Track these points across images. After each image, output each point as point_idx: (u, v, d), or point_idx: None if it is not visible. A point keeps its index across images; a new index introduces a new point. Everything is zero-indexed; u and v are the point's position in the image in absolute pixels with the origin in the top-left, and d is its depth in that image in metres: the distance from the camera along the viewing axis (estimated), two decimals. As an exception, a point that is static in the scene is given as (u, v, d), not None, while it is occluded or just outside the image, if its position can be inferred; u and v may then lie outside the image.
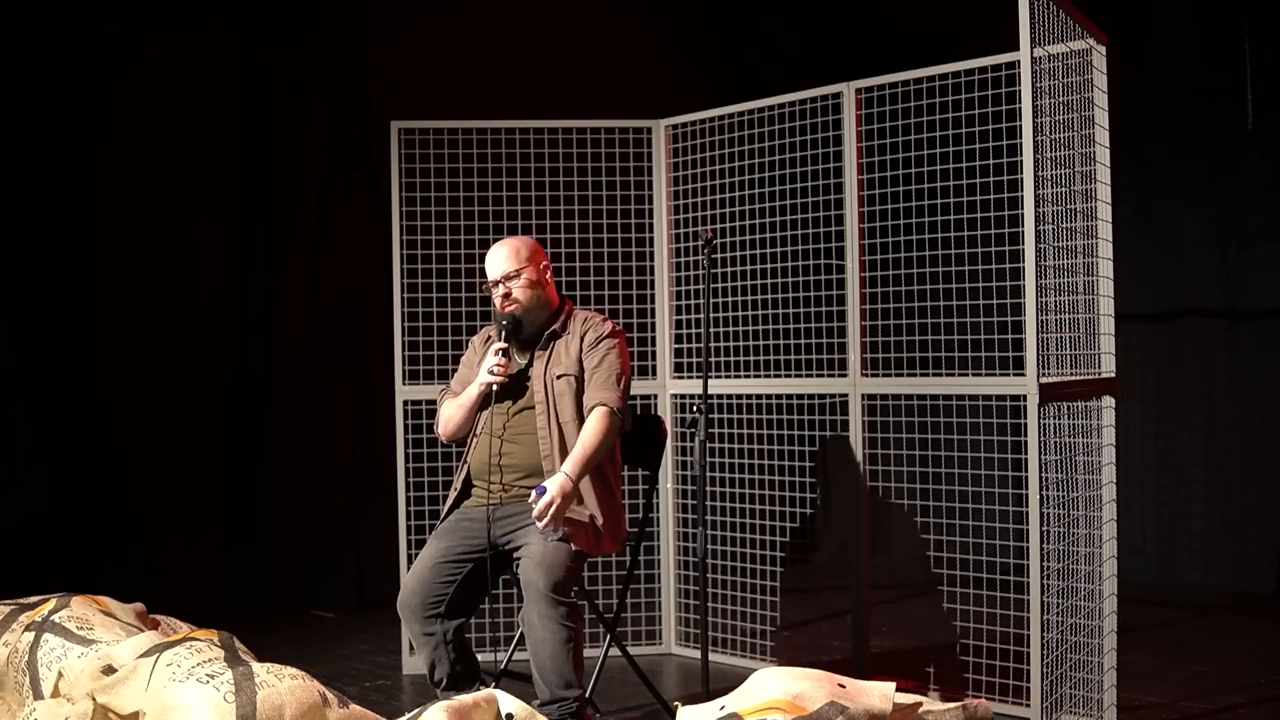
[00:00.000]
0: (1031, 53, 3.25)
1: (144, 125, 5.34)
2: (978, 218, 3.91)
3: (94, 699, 2.48)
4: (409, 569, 3.43)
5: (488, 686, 3.04)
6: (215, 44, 5.52)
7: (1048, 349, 3.41)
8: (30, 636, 2.88)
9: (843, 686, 2.35)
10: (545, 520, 3.15)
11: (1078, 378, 3.56)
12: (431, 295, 4.47)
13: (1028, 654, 3.34)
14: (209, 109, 5.52)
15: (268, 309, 5.64)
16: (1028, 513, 3.29)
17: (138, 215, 5.34)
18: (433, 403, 3.77)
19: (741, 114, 4.43)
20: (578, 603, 3.23)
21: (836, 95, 4.15)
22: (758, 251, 4.42)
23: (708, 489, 4.09)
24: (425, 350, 4.45)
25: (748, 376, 4.50)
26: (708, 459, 3.45)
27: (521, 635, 3.42)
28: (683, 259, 4.66)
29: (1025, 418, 3.31)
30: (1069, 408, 3.53)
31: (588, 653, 3.34)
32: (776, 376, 4.44)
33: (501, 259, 3.46)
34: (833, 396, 4.25)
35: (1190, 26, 5.63)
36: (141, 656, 2.56)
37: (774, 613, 4.38)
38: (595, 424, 3.33)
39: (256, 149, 5.60)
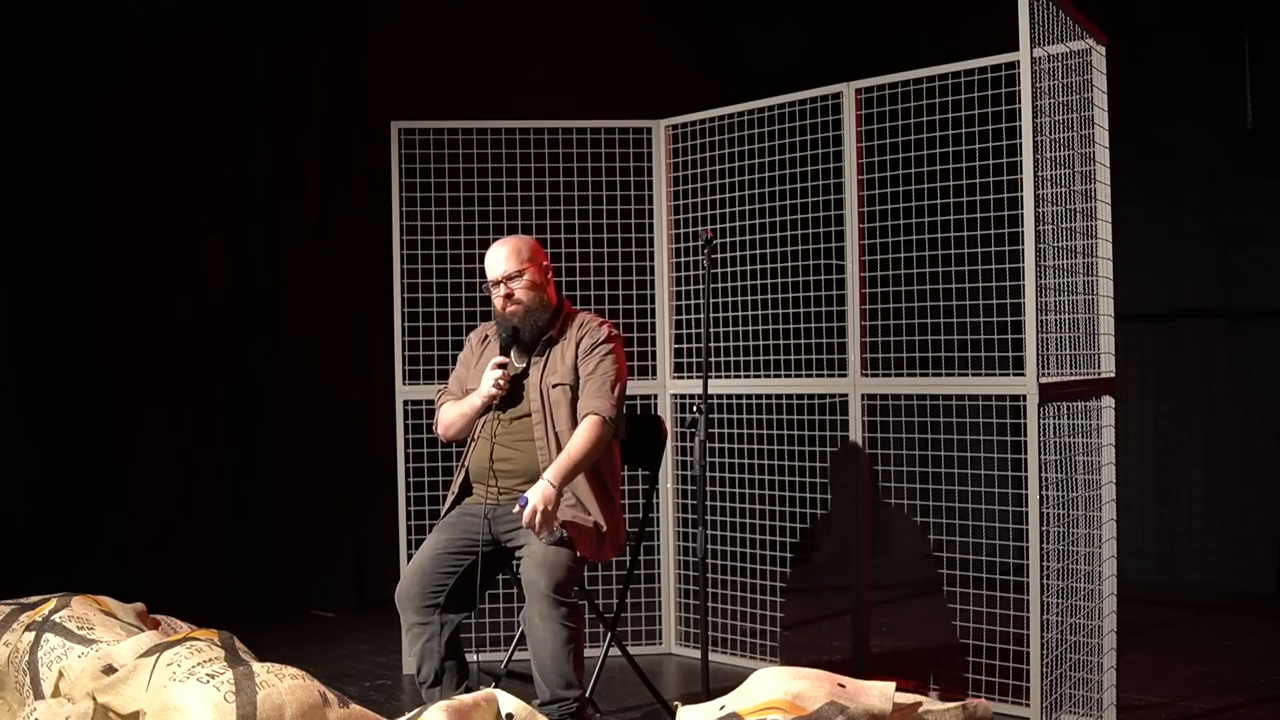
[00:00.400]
0: (1031, 53, 3.25)
1: (144, 124, 5.34)
2: (977, 218, 3.91)
3: (94, 699, 2.48)
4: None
5: (476, 688, 3.04)
6: (215, 44, 5.52)
7: (1047, 349, 3.41)
8: (31, 636, 2.88)
9: (843, 686, 2.35)
10: (537, 529, 3.16)
11: (1077, 378, 3.56)
12: (431, 295, 4.47)
13: (1027, 654, 3.34)
14: (209, 108, 5.52)
15: (267, 309, 5.64)
16: (1027, 513, 3.29)
17: (138, 213, 5.34)
18: (433, 403, 3.77)
19: (741, 114, 4.43)
20: (579, 603, 3.23)
21: (836, 95, 4.15)
22: (758, 251, 4.42)
23: (708, 489, 4.09)
24: (425, 350, 4.45)
25: (748, 376, 4.50)
26: (708, 459, 3.45)
27: (522, 635, 3.42)
28: (683, 259, 4.66)
29: (1025, 418, 3.31)
30: (1069, 408, 3.53)
31: (588, 653, 3.34)
32: (776, 376, 4.44)
33: (502, 259, 3.44)
34: (833, 396, 4.25)
35: (1190, 26, 5.64)
36: (142, 656, 2.56)
37: (774, 613, 4.38)
38: (584, 432, 3.31)
39: (256, 148, 5.60)
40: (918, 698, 2.44)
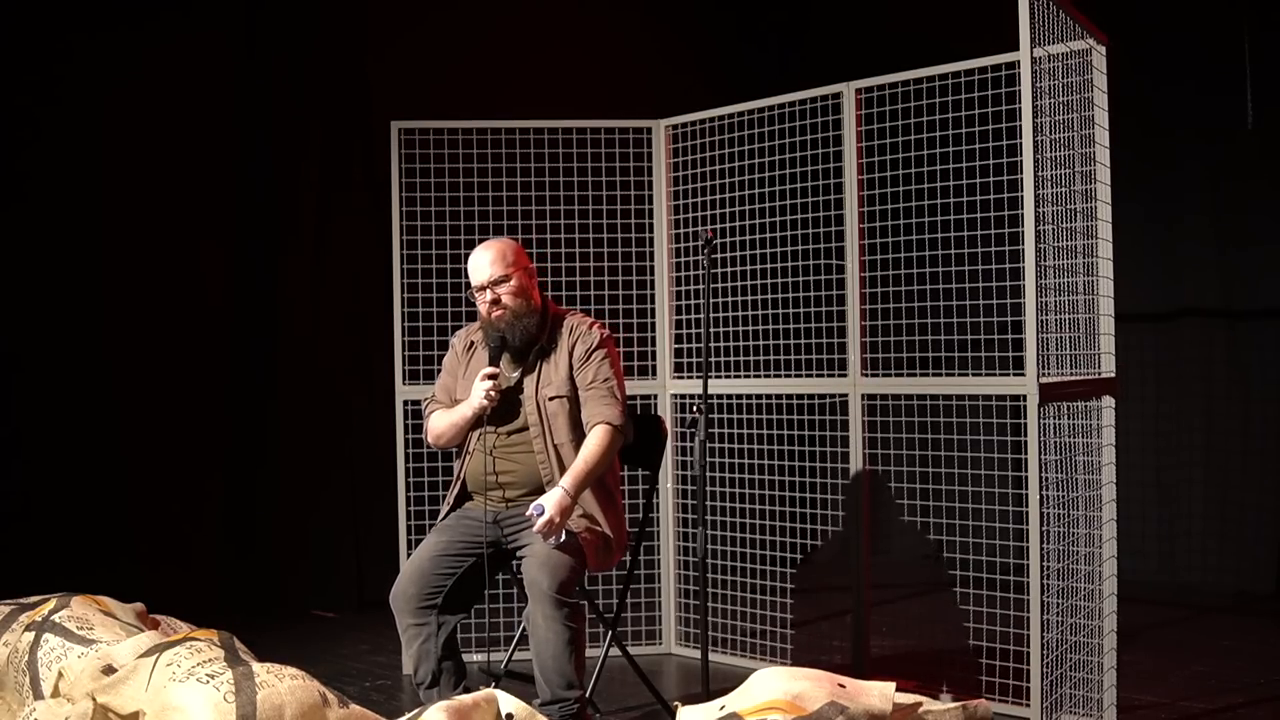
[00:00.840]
0: (1031, 53, 3.25)
1: (144, 124, 5.34)
2: (978, 218, 3.91)
3: (94, 699, 2.48)
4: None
5: (474, 688, 3.04)
6: (215, 44, 5.52)
7: (1048, 349, 3.41)
8: (30, 636, 2.88)
9: (843, 686, 2.35)
10: (548, 536, 3.16)
11: (1077, 378, 3.56)
12: (431, 295, 4.47)
13: (1028, 654, 3.35)
14: (209, 109, 5.52)
15: (268, 309, 5.63)
16: (1028, 513, 3.29)
17: (138, 214, 5.33)
18: (432, 403, 3.77)
19: (741, 114, 4.43)
20: (580, 603, 3.23)
21: (836, 95, 4.15)
22: (758, 251, 4.42)
23: (708, 489, 4.09)
24: (425, 350, 4.45)
25: (748, 376, 4.50)
26: (708, 459, 3.45)
27: (522, 635, 3.42)
28: (683, 259, 4.66)
29: (1025, 418, 3.31)
30: (1069, 408, 3.53)
31: (588, 653, 3.34)
32: (776, 376, 4.44)
33: (486, 264, 3.36)
34: (833, 396, 4.25)
35: (1190, 26, 5.64)
36: (141, 656, 2.56)
37: (774, 613, 4.38)
38: (596, 440, 3.30)
39: (257, 148, 5.60)
40: (918, 698, 2.44)
